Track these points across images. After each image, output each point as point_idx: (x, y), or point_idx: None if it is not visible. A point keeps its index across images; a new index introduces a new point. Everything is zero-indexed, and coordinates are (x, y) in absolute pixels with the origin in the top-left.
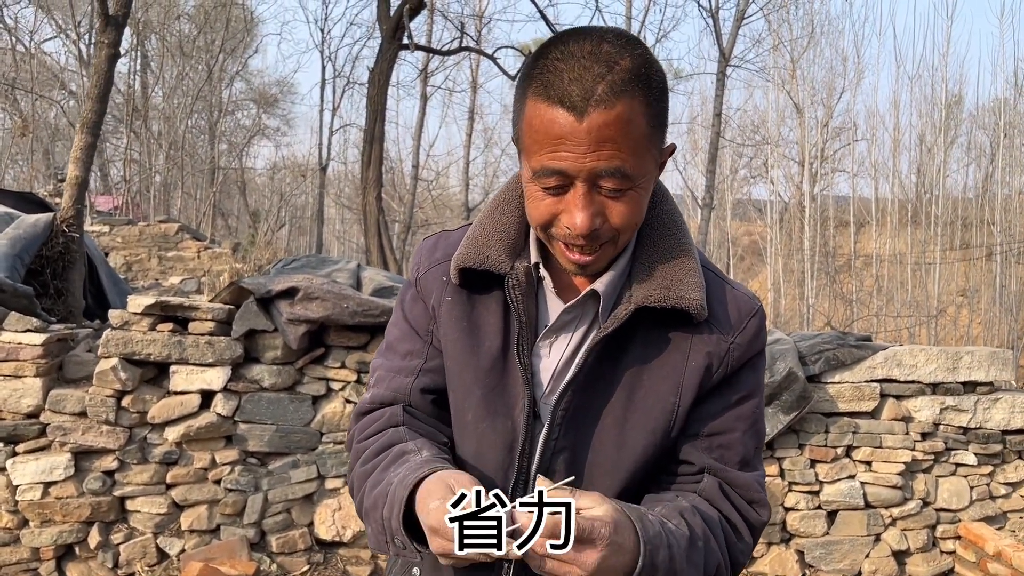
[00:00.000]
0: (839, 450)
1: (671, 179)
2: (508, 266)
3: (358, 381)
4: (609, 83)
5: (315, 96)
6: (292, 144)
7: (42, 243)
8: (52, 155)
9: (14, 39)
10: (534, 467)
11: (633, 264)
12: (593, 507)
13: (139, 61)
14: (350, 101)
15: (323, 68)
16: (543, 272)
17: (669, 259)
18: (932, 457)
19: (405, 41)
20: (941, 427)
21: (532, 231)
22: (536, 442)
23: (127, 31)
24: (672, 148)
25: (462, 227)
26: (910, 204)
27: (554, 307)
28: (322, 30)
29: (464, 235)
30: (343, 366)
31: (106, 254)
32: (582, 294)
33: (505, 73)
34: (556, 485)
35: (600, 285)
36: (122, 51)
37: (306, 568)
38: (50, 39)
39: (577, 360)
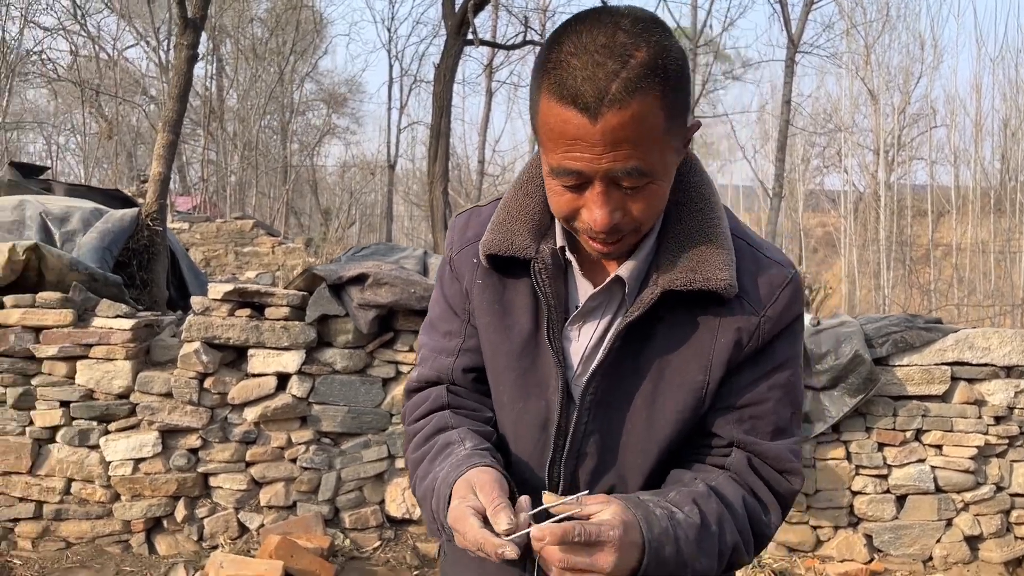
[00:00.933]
0: (908, 434)
1: (740, 169)
2: (534, 250)
3: None
4: (624, 80)
5: (383, 95)
6: (361, 142)
7: (128, 236)
8: (135, 158)
9: (98, 47)
10: (566, 448)
11: (659, 244)
12: (600, 511)
13: (215, 65)
14: (417, 99)
15: (390, 67)
16: (569, 255)
17: (696, 236)
18: (1006, 441)
19: (470, 37)
20: (1016, 411)
21: None
22: (571, 422)
23: (203, 36)
24: (696, 125)
25: (492, 202)
26: (993, 191)
27: (583, 288)
28: (389, 29)
29: (494, 211)
30: (411, 350)
31: (186, 250)
32: (607, 281)
33: None
34: (561, 501)
35: (624, 270)
36: (199, 53)
37: (378, 544)
38: (131, 46)
39: (604, 345)
